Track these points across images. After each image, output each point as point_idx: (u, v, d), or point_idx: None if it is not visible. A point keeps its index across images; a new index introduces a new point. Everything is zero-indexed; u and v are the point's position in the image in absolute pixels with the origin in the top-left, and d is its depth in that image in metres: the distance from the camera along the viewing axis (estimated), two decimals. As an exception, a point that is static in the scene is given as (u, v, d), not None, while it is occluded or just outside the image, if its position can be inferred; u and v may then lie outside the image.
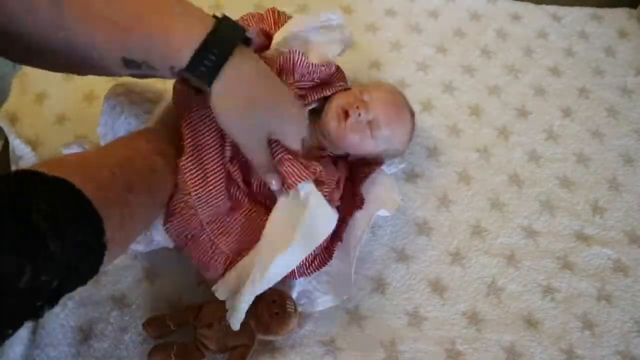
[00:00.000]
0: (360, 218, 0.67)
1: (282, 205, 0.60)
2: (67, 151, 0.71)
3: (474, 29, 0.93)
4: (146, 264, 0.69)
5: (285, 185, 0.58)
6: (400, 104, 0.72)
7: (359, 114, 0.66)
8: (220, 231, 0.62)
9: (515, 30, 0.93)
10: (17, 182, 0.38)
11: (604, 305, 0.70)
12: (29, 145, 0.74)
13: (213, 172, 0.59)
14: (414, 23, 0.93)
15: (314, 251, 0.63)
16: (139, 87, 0.69)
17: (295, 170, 0.58)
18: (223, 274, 0.62)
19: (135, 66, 0.48)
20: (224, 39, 0.47)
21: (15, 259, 0.34)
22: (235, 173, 0.61)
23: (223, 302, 0.64)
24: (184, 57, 0.46)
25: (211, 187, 0.59)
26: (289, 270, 0.61)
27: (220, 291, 0.60)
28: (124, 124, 0.68)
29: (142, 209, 0.52)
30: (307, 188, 0.59)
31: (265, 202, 0.64)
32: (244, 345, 0.62)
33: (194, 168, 0.58)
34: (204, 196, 0.59)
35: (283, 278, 0.61)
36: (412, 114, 0.74)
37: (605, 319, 0.69)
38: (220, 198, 0.60)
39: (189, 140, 0.58)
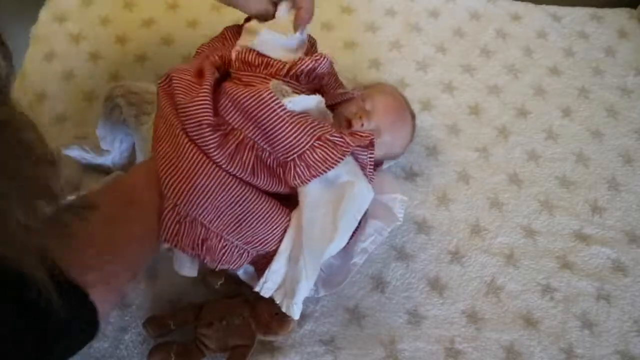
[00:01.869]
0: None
1: (316, 191, 0.58)
2: (67, 152, 0.71)
3: (474, 29, 0.93)
4: (146, 263, 0.69)
5: (318, 173, 0.56)
6: (401, 108, 0.72)
7: (362, 124, 0.66)
8: (226, 224, 0.56)
9: (515, 30, 0.93)
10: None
11: (603, 304, 0.70)
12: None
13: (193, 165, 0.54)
14: (413, 22, 0.93)
15: None
16: (137, 88, 0.69)
17: (329, 154, 0.55)
18: (262, 271, 0.60)
19: None
20: None
21: None
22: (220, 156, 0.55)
23: (223, 302, 0.64)
24: None
25: (194, 183, 0.53)
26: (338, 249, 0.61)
27: (266, 289, 0.59)
28: (123, 126, 0.69)
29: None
30: (343, 173, 0.57)
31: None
32: (244, 344, 0.62)
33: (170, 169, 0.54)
34: (193, 198, 0.53)
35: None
36: (413, 117, 0.74)
37: (605, 318, 0.70)
38: (205, 192, 0.54)
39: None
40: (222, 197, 0.55)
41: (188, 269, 0.59)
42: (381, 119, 0.67)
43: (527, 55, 0.91)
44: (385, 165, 0.75)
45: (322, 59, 0.60)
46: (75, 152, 0.71)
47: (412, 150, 0.79)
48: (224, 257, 0.57)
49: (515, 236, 0.75)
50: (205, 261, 0.57)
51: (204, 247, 0.56)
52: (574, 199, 0.78)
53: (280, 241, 0.58)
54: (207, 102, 0.54)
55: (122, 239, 0.51)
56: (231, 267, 0.59)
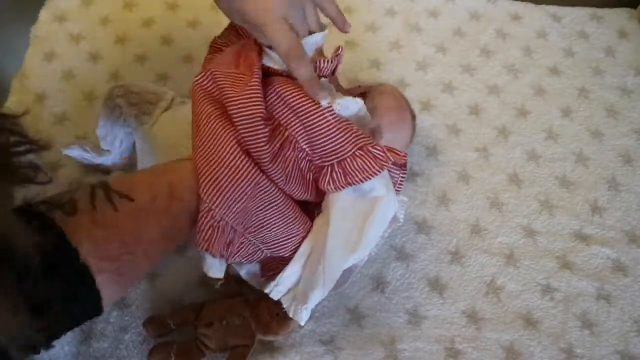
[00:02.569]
0: None
1: (348, 199, 0.57)
2: (67, 152, 0.71)
3: (474, 29, 0.93)
4: (146, 263, 0.69)
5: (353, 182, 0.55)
6: (402, 108, 0.73)
7: None
8: (251, 225, 0.56)
9: (515, 30, 0.93)
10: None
11: (603, 304, 0.70)
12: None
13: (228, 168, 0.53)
14: (413, 22, 0.93)
15: None
16: (137, 88, 0.70)
17: (368, 165, 0.54)
18: (269, 272, 0.60)
19: None
20: None
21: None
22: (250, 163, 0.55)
23: (223, 302, 0.64)
24: None
25: (226, 186, 0.53)
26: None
27: (276, 292, 0.59)
28: (123, 126, 0.69)
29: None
30: (378, 186, 0.56)
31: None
32: (244, 344, 0.62)
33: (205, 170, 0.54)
34: (223, 200, 0.53)
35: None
36: (414, 117, 0.75)
37: (605, 318, 0.69)
38: (242, 196, 0.54)
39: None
40: (256, 201, 0.55)
41: (216, 270, 0.58)
42: (382, 118, 0.67)
43: (527, 55, 0.91)
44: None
45: (341, 52, 0.59)
46: (75, 152, 0.71)
47: (412, 150, 0.79)
48: (240, 251, 0.57)
49: (515, 236, 0.75)
50: (228, 260, 0.57)
51: (230, 249, 0.56)
52: (574, 199, 0.78)
53: (296, 248, 0.58)
54: (258, 92, 0.54)
55: (149, 233, 0.51)
56: (243, 261, 0.59)
